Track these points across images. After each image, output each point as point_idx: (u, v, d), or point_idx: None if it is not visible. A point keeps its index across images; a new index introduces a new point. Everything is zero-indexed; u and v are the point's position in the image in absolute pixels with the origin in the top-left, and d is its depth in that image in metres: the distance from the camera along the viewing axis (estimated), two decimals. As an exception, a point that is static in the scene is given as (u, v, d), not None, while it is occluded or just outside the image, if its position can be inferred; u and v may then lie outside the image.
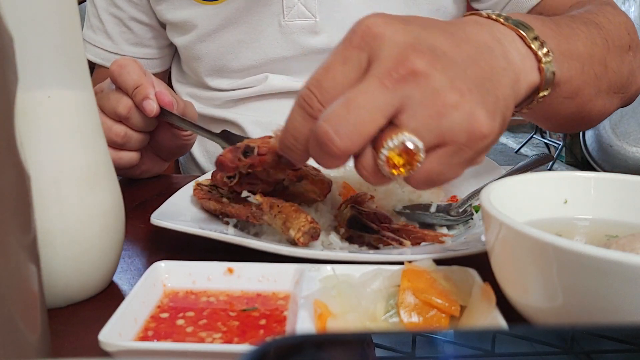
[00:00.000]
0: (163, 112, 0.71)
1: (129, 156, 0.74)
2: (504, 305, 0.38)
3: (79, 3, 1.36)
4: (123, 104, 0.70)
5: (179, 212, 0.60)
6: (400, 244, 0.54)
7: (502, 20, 0.51)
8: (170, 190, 0.66)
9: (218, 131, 0.80)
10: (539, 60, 0.50)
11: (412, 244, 0.54)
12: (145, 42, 1.02)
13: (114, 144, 0.72)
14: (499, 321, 0.36)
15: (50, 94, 0.42)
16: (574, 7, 0.82)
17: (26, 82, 0.39)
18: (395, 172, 0.41)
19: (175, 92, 1.04)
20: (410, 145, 0.40)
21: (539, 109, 0.56)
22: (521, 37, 0.50)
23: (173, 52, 1.07)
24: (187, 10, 0.94)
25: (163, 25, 1.01)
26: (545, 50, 0.50)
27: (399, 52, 0.41)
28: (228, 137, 0.74)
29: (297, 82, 0.95)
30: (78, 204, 0.44)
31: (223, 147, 0.73)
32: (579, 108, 0.63)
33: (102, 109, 0.71)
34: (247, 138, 0.71)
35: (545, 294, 0.35)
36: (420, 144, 0.40)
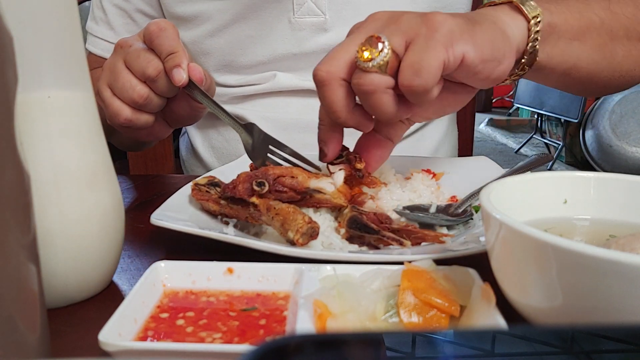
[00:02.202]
0: (190, 84, 0.69)
1: (145, 118, 0.72)
2: (504, 305, 0.38)
3: (79, 3, 1.36)
4: (153, 66, 0.68)
5: (179, 212, 0.60)
6: (401, 244, 0.54)
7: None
8: (170, 190, 0.66)
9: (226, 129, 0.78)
10: (511, 2, 0.61)
11: (413, 244, 0.54)
12: None
13: (134, 104, 0.70)
14: (499, 321, 0.36)
15: (50, 94, 0.42)
16: None
17: (26, 82, 0.39)
18: (366, 55, 0.51)
19: None
20: (374, 39, 0.52)
21: (558, 57, 0.64)
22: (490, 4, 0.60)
23: None
24: (198, 4, 0.94)
25: None
26: None
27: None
28: (251, 131, 0.71)
29: (304, 81, 0.95)
30: (78, 204, 0.44)
31: (243, 140, 0.71)
32: (597, 53, 0.68)
33: (129, 65, 0.70)
34: (270, 137, 0.70)
35: (545, 294, 0.35)
36: (384, 36, 0.52)
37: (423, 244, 0.55)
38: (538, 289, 0.35)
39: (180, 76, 0.67)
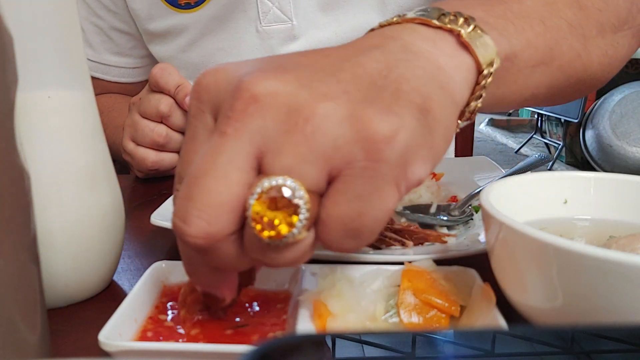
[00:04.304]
0: None
1: (170, 157, 0.75)
2: (504, 305, 0.38)
3: (79, 3, 1.35)
4: (165, 102, 0.71)
5: (179, 212, 0.60)
6: (403, 244, 0.54)
7: (395, 20, 0.39)
8: (170, 190, 0.66)
9: None
10: (457, 34, 0.38)
11: (415, 244, 0.54)
12: (126, 51, 1.03)
13: (155, 145, 0.73)
14: (499, 321, 0.36)
15: (50, 94, 0.42)
16: None
17: (26, 82, 0.39)
18: (270, 234, 0.30)
19: None
20: (283, 190, 0.29)
21: (514, 94, 0.45)
22: (424, 23, 0.38)
23: (154, 61, 1.06)
24: (167, 20, 0.94)
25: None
26: (461, 21, 0.38)
27: (234, 88, 0.32)
28: None
29: None
30: (78, 204, 0.44)
31: None
32: (566, 71, 0.49)
33: (143, 113, 0.73)
34: None
35: (545, 294, 0.35)
36: (293, 183, 0.29)
37: (425, 244, 0.55)
38: (538, 289, 0.35)
39: None
